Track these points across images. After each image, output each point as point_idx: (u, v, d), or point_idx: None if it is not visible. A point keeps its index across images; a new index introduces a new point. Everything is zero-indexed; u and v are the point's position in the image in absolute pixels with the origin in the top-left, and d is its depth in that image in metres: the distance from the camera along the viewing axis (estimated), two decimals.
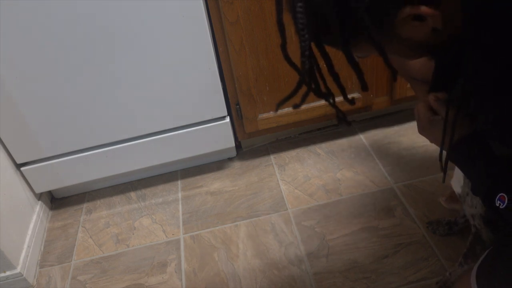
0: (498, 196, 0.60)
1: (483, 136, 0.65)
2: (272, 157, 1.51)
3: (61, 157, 1.32)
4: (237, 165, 1.51)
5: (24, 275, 1.18)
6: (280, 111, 1.38)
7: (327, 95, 0.62)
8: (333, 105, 0.65)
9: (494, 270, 0.65)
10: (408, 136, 1.48)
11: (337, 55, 0.55)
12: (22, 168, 1.31)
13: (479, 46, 0.54)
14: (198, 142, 1.37)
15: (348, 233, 1.20)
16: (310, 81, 0.59)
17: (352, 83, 1.34)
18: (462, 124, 0.66)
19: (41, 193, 1.42)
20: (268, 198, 1.35)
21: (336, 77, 0.59)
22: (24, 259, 1.21)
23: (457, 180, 0.92)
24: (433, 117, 0.71)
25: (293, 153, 1.51)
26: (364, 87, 0.58)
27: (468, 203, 0.87)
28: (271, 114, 1.39)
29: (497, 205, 0.60)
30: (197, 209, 1.36)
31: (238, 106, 1.36)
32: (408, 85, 1.36)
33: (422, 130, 0.75)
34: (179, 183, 1.47)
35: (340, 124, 0.69)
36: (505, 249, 0.67)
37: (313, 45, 0.56)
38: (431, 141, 0.75)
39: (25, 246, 1.25)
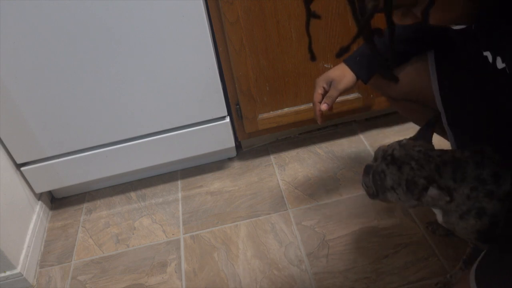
0: None
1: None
2: (272, 157, 1.51)
3: (61, 157, 1.32)
4: (237, 165, 1.51)
5: (24, 275, 1.18)
6: (280, 111, 1.38)
7: (371, 36, 0.55)
8: (378, 55, 0.60)
9: (494, 270, 0.65)
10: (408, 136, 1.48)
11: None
12: (22, 168, 1.31)
13: None
14: (198, 142, 1.37)
15: (348, 233, 1.20)
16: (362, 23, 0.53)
17: None
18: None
19: (41, 193, 1.42)
20: (268, 198, 1.35)
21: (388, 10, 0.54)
22: (24, 259, 1.21)
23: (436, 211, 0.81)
24: None
25: (293, 153, 1.51)
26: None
27: (459, 231, 0.78)
28: (271, 114, 1.39)
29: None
30: (197, 209, 1.36)
31: (238, 106, 1.36)
32: None
33: None
34: (179, 183, 1.48)
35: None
36: (505, 249, 0.67)
37: None
38: None
39: (25, 246, 1.25)
